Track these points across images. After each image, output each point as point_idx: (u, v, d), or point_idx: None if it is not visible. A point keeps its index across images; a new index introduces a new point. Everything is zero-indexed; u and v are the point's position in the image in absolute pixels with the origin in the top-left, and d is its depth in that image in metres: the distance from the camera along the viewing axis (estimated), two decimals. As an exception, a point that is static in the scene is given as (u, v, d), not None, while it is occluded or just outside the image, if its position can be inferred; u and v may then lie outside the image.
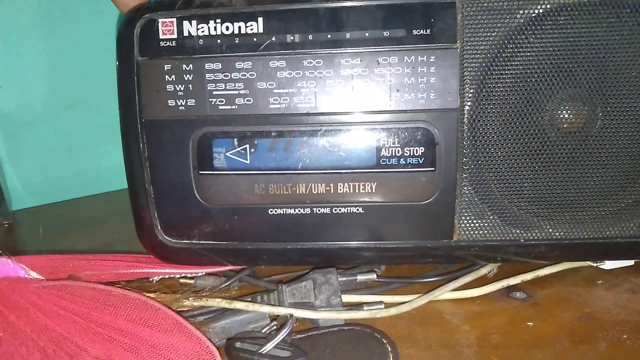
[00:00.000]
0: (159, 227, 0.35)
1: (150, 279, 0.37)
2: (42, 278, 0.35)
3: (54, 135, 0.61)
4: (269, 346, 0.28)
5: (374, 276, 0.36)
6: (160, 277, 0.37)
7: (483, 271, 0.37)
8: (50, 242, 0.49)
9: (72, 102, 0.61)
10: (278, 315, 0.32)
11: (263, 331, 0.31)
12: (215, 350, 0.28)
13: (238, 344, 0.28)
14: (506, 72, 0.32)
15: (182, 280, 0.37)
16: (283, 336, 0.28)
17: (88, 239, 0.51)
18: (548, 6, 0.31)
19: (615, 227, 0.34)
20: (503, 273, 0.37)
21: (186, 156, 0.33)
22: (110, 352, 0.28)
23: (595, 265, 0.38)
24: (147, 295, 0.32)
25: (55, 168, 0.62)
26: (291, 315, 0.30)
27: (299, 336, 0.31)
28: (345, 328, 0.31)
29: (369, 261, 0.37)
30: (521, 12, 0.31)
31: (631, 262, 0.38)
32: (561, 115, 0.33)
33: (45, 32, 0.59)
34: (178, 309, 0.33)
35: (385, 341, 0.30)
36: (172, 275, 0.37)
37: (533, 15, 0.31)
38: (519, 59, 0.32)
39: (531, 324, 0.33)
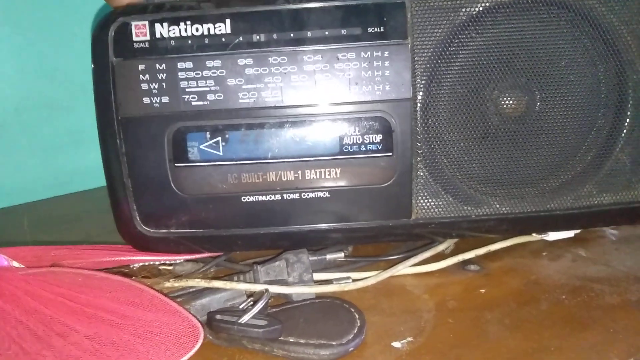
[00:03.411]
0: (138, 219, 0.37)
1: (131, 266, 0.39)
2: (24, 267, 0.36)
3: (25, 136, 0.62)
4: (248, 316, 0.30)
5: (341, 255, 0.39)
6: (141, 264, 0.39)
7: (441, 248, 0.40)
8: (27, 238, 0.49)
9: (44, 102, 0.62)
10: (254, 292, 0.35)
11: (241, 307, 0.33)
12: (198, 323, 0.30)
13: (219, 316, 0.31)
14: (453, 64, 0.35)
15: (161, 267, 0.39)
16: (260, 307, 0.31)
17: (65, 235, 0.51)
18: (487, 4, 0.35)
19: (555, 201, 0.38)
20: (459, 250, 0.41)
21: (162, 150, 0.36)
22: (99, 329, 0.30)
23: (540, 237, 0.42)
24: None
25: (27, 169, 0.62)
26: (267, 290, 0.33)
27: (275, 309, 0.33)
28: (317, 301, 0.34)
29: (336, 242, 0.39)
30: (463, 10, 0.34)
31: (571, 234, 0.42)
32: (503, 102, 0.37)
33: (15, 32, 0.60)
34: (160, 291, 0.35)
35: (353, 310, 0.33)
36: (152, 263, 0.39)
37: (474, 12, 0.34)
38: (463, 52, 0.35)
39: (483, 290, 0.36)
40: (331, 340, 0.30)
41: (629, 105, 0.37)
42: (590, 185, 0.38)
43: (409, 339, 0.31)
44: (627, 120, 0.37)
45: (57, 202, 0.61)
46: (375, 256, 0.41)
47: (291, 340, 0.30)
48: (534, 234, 0.42)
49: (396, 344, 0.31)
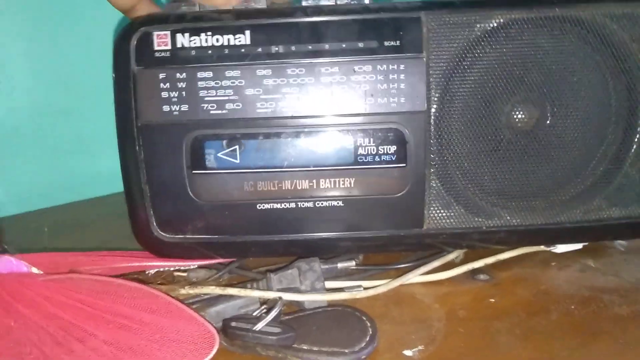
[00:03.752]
0: (155, 224, 0.38)
1: (147, 272, 0.39)
2: (43, 273, 0.37)
3: (40, 142, 0.63)
4: (262, 324, 0.31)
5: (352, 263, 0.40)
6: (156, 270, 0.39)
7: (450, 257, 0.41)
8: (42, 245, 0.50)
9: (58, 109, 0.63)
10: (267, 300, 0.35)
11: (254, 314, 0.34)
12: (214, 330, 0.31)
13: (234, 323, 0.31)
14: (466, 78, 0.36)
15: (176, 274, 0.40)
16: (274, 314, 0.31)
17: (80, 241, 0.52)
18: (501, 20, 0.35)
19: (565, 214, 0.39)
20: (468, 259, 0.41)
21: (180, 157, 0.36)
22: (117, 335, 0.31)
23: (549, 249, 0.42)
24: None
25: (42, 175, 0.63)
26: (280, 298, 0.34)
27: (288, 317, 0.34)
28: (329, 309, 0.35)
29: (348, 250, 0.40)
30: (478, 25, 0.35)
31: (580, 246, 0.42)
32: (515, 116, 0.37)
33: (30, 39, 0.61)
34: (175, 298, 0.36)
35: (365, 318, 0.33)
36: (166, 268, 0.40)
37: (488, 28, 0.35)
38: (477, 66, 0.36)
39: (493, 300, 0.37)
40: (344, 348, 0.30)
41: (639, 121, 0.37)
42: (600, 199, 0.38)
43: (421, 347, 0.32)
44: (637, 135, 0.38)
45: (72, 208, 0.62)
46: (386, 265, 0.41)
47: (304, 347, 0.31)
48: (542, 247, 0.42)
49: (408, 352, 0.31)
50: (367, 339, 0.31)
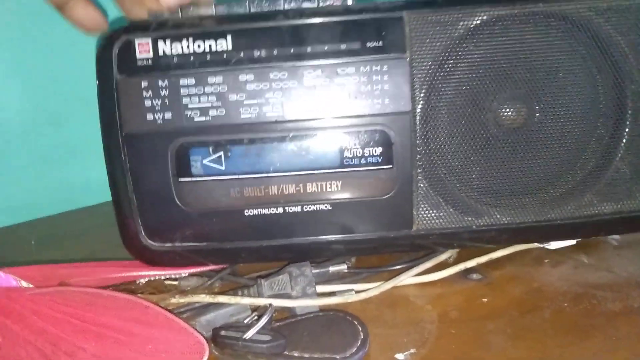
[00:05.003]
0: (143, 233, 0.37)
1: (137, 282, 0.39)
2: (32, 287, 0.37)
3: (28, 153, 0.62)
4: (252, 332, 0.31)
5: (344, 267, 0.39)
6: (147, 279, 0.39)
7: (443, 257, 0.41)
8: (32, 257, 0.50)
9: (49, 119, 0.62)
10: (258, 307, 0.35)
11: (245, 322, 0.34)
12: (203, 340, 0.30)
13: (223, 332, 0.31)
14: (451, 76, 0.36)
15: (167, 282, 0.40)
16: (264, 322, 0.31)
17: (70, 251, 0.52)
18: (485, 17, 0.35)
19: (556, 210, 0.38)
20: (461, 258, 0.41)
21: (165, 165, 0.36)
22: (106, 347, 0.31)
23: (542, 246, 0.42)
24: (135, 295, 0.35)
25: (33, 186, 0.63)
26: (270, 305, 0.33)
27: (279, 324, 0.34)
28: (320, 314, 0.34)
29: (339, 254, 0.40)
30: (461, 23, 0.35)
31: (573, 242, 0.42)
32: (503, 114, 0.37)
33: (17, 48, 0.60)
34: (165, 307, 0.36)
35: (356, 322, 0.33)
36: (157, 277, 0.39)
37: (472, 26, 0.35)
38: (462, 64, 0.36)
39: (485, 299, 0.36)
40: (335, 354, 0.30)
41: (628, 115, 0.37)
42: (591, 194, 0.38)
43: (412, 350, 0.31)
44: (627, 129, 0.37)
45: (62, 218, 0.62)
46: (378, 267, 0.41)
47: (295, 354, 0.30)
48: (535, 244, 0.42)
49: (400, 356, 0.31)
50: (359, 343, 0.31)
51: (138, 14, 0.36)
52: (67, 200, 0.63)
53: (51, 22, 0.61)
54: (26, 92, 0.62)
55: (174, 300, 0.35)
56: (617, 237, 0.44)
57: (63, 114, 0.63)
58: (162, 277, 0.39)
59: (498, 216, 0.38)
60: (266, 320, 0.31)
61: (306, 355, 0.30)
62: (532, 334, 0.32)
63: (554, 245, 0.42)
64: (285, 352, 0.30)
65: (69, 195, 0.64)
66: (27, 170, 0.62)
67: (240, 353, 0.31)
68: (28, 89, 0.62)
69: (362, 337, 0.32)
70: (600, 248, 0.42)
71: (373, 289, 0.37)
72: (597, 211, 0.38)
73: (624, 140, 0.38)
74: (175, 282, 0.40)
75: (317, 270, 0.39)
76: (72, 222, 0.61)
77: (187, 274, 0.40)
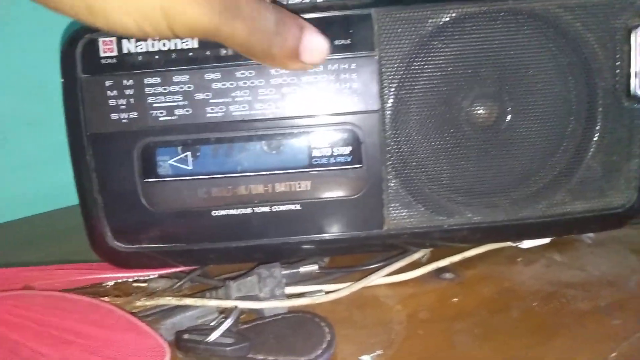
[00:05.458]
0: (110, 234, 0.37)
1: (104, 284, 0.38)
2: (-5, 291, 0.36)
3: (8, 154, 0.61)
4: (215, 335, 0.30)
5: (315, 267, 0.39)
6: (114, 282, 0.39)
7: (416, 256, 0.40)
8: (5, 259, 0.49)
9: (28, 119, 0.61)
10: (226, 309, 0.34)
11: (212, 324, 0.33)
12: (164, 343, 0.30)
13: (186, 336, 0.31)
14: (421, 74, 0.35)
15: (135, 284, 0.39)
16: (228, 325, 0.31)
17: (45, 254, 0.51)
18: (454, 14, 0.34)
19: (527, 209, 0.38)
20: (435, 257, 0.40)
21: (131, 165, 0.35)
22: (66, 353, 0.30)
23: (515, 245, 0.42)
24: (100, 299, 0.34)
25: (11, 186, 0.62)
26: (236, 307, 0.33)
27: (245, 326, 0.33)
28: (288, 315, 0.34)
29: (310, 254, 0.39)
30: (430, 20, 0.34)
31: (547, 240, 0.42)
32: (474, 112, 0.37)
33: (1, 49, 0.59)
34: (132, 310, 0.35)
35: (323, 324, 0.32)
36: (125, 280, 0.39)
37: (440, 23, 0.34)
38: (432, 62, 0.35)
39: (456, 299, 0.36)
40: (300, 356, 0.30)
41: (599, 113, 0.37)
42: (563, 193, 0.38)
43: (379, 352, 0.31)
44: (598, 127, 0.37)
45: (40, 219, 0.61)
46: (351, 267, 0.41)
47: (259, 357, 0.30)
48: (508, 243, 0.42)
49: (365, 358, 0.31)
50: (324, 345, 0.31)
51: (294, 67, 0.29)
52: (46, 201, 0.62)
53: (28, 21, 0.60)
54: (6, 96, 0.61)
55: (139, 303, 0.35)
56: (591, 235, 0.44)
57: (44, 117, 0.62)
58: (130, 280, 0.39)
59: (469, 215, 0.37)
60: (230, 322, 0.31)
61: (270, 358, 0.30)
62: (499, 334, 0.32)
63: (527, 244, 0.42)
64: (250, 355, 0.30)
65: (48, 196, 0.63)
66: (6, 172, 0.61)
67: (203, 356, 0.30)
68: (4, 90, 0.61)
69: (328, 338, 0.31)
70: (574, 247, 0.42)
71: (342, 289, 0.36)
72: (568, 209, 0.38)
73: (595, 139, 0.37)
74: (144, 285, 0.39)
75: (287, 272, 0.38)
76: (50, 224, 0.60)
77: (156, 276, 0.39)
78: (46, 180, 0.64)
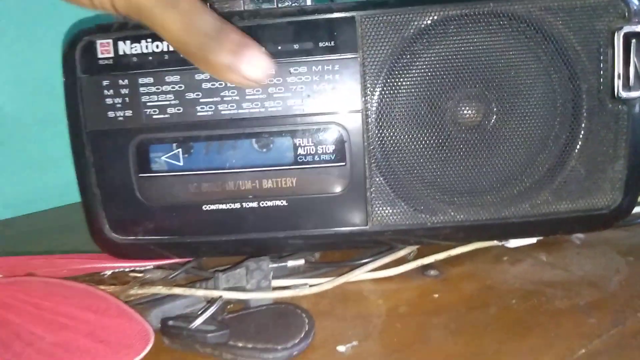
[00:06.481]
0: (108, 226, 0.39)
1: (102, 274, 0.40)
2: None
3: (25, 150, 0.64)
4: (197, 322, 0.32)
5: (302, 262, 0.40)
6: (111, 271, 0.41)
7: (402, 253, 0.41)
8: (20, 250, 0.51)
9: (41, 117, 0.64)
10: (212, 299, 0.36)
11: (199, 313, 0.35)
12: (150, 328, 0.32)
13: (171, 322, 0.32)
14: (405, 76, 0.36)
15: (132, 274, 0.41)
16: (210, 313, 0.32)
17: (59, 245, 0.53)
18: (435, 17, 0.35)
19: (511, 209, 0.39)
20: (422, 254, 0.41)
21: (127, 161, 0.37)
22: (60, 335, 0.32)
23: (501, 244, 0.42)
24: (96, 286, 0.36)
25: (28, 181, 0.65)
26: (220, 297, 0.34)
27: (230, 315, 0.35)
28: (272, 306, 0.35)
29: (298, 249, 0.41)
30: (412, 23, 0.35)
31: (534, 240, 0.42)
32: (459, 112, 0.37)
33: (11, 47, 0.62)
34: (126, 299, 0.37)
35: (304, 315, 0.34)
36: (122, 270, 0.41)
37: (422, 26, 0.35)
38: (415, 64, 0.36)
39: (437, 295, 0.37)
40: (277, 345, 0.31)
41: (583, 114, 0.37)
42: (547, 193, 0.38)
43: (355, 343, 0.32)
44: (582, 128, 0.38)
45: (53, 214, 0.63)
46: (338, 262, 0.42)
47: (239, 345, 0.31)
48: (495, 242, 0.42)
49: (341, 348, 0.32)
50: (302, 335, 0.32)
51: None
52: (61, 196, 0.65)
53: (46, 22, 0.63)
54: (20, 93, 0.63)
55: (132, 292, 0.37)
56: (580, 236, 0.44)
57: (57, 115, 0.64)
58: (127, 270, 0.41)
59: (453, 214, 0.38)
60: (212, 311, 0.32)
61: (249, 346, 0.31)
62: (473, 330, 0.33)
63: (513, 243, 0.42)
64: (230, 342, 0.32)
65: (60, 192, 0.65)
66: (22, 169, 0.64)
67: (186, 342, 0.32)
68: (21, 90, 0.63)
69: (307, 328, 0.33)
70: (562, 247, 0.43)
71: (325, 283, 0.37)
72: (552, 210, 0.39)
73: (580, 140, 0.38)
74: (141, 275, 0.41)
75: (276, 265, 0.40)
76: (64, 217, 0.62)
77: (152, 267, 0.41)
78: (59, 176, 0.66)
